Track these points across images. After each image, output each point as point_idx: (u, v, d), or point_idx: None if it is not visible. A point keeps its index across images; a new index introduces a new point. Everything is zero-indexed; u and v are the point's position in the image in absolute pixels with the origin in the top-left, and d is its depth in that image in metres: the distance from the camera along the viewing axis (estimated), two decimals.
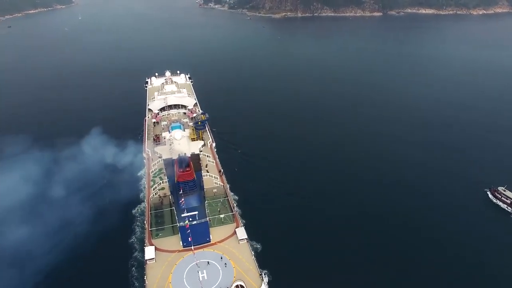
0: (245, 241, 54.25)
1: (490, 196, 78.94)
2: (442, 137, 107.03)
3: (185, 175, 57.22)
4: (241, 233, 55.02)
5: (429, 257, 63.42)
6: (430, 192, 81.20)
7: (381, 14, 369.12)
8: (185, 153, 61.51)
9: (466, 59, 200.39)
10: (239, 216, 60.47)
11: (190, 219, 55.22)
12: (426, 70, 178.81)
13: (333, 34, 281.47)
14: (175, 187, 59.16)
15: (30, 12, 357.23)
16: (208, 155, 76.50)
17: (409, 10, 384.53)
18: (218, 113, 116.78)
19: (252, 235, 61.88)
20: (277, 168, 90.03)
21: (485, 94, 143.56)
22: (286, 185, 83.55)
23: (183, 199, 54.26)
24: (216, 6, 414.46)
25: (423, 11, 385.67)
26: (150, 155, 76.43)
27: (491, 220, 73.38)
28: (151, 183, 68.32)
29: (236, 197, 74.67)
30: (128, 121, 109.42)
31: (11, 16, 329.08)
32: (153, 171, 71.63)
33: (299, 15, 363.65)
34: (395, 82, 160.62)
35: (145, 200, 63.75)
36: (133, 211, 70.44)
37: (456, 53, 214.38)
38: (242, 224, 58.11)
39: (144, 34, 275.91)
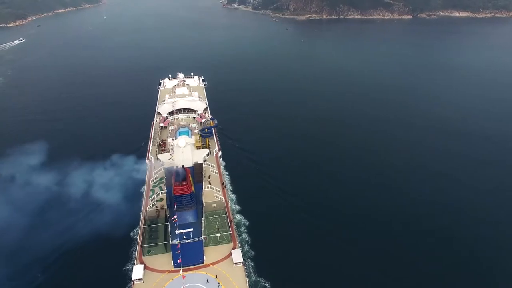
0: (241, 264, 49.90)
1: None
2: (477, 152, 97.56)
3: (181, 189, 53.55)
4: (237, 255, 50.64)
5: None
6: (471, 217, 72.62)
7: (410, 17, 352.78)
8: (182, 165, 57.55)
9: (508, 67, 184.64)
10: (237, 236, 56.09)
11: (184, 237, 51.51)
12: (464, 79, 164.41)
13: (359, 38, 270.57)
14: (172, 201, 55.67)
15: (59, 11, 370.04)
16: (213, 165, 72.60)
17: (442, 13, 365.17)
18: (232, 119, 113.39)
19: (254, 265, 57.23)
20: (296, 185, 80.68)
21: None
22: (306, 205, 73.47)
23: (175, 216, 50.45)
24: (240, 6, 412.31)
25: (457, 14, 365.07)
26: (152, 162, 73.71)
27: None
28: (150, 192, 65.29)
29: (242, 216, 68.44)
30: (140, 125, 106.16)
31: (42, 15, 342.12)
32: (153, 180, 68.67)
33: (324, 17, 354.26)
34: (429, 91, 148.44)
35: (141, 212, 60.39)
36: (131, 234, 62.17)
37: (496, 60, 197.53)
38: (239, 245, 53.68)
39: (165, 34, 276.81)
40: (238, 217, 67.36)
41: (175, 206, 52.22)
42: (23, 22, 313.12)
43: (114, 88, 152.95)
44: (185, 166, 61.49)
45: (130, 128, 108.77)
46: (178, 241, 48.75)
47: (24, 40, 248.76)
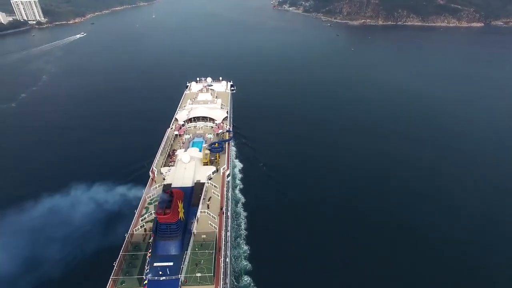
0: None
1: None
2: None
3: (164, 217, 46.68)
4: None
5: None
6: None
7: (481, 25, 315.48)
8: (170, 190, 50.59)
9: None
10: (222, 278, 47.70)
11: (160, 272, 44.76)
12: None
13: (418, 48, 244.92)
14: (158, 227, 49.07)
15: (116, 9, 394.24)
16: (216, 185, 65.03)
17: None
18: (259, 130, 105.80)
19: None
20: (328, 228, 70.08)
21: None
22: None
23: (149, 251, 43.71)
24: (291, 8, 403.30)
25: None
26: (155, 175, 68.33)
27: None
28: (143, 210, 59.65)
29: (249, 279, 58.09)
30: (157, 132, 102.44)
31: (100, 13, 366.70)
32: (150, 197, 62.96)
33: (380, 23, 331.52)
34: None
35: (127, 233, 54.65)
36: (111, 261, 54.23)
37: None
38: None
39: (208, 34, 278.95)
40: (246, 279, 57.42)
41: (151, 237, 45.60)
42: (82, 20, 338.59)
43: (144, 86, 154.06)
44: (178, 187, 55.07)
45: (146, 135, 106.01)
46: (146, 280, 42.20)
47: (85, 34, 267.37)
